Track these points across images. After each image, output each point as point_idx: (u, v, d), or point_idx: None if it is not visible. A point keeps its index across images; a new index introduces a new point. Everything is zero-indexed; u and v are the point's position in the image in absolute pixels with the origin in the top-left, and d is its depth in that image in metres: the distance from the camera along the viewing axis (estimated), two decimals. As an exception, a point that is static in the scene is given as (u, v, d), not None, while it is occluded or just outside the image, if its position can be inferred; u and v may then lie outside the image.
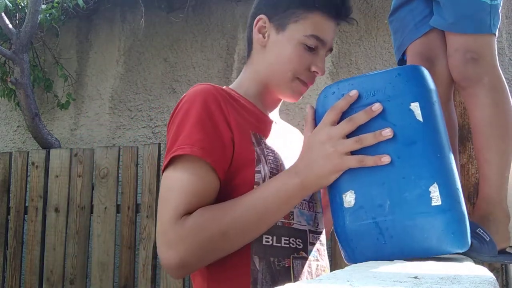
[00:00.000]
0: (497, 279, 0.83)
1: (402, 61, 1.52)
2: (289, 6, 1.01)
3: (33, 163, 2.96)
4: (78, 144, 3.61)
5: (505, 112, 1.23)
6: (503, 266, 1.75)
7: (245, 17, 3.31)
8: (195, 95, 0.94)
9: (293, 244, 0.96)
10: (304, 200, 1.01)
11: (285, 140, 1.08)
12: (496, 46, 1.34)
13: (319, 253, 1.03)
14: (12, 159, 3.03)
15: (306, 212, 1.01)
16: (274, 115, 1.13)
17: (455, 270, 0.64)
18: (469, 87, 1.28)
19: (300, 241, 0.98)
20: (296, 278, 0.94)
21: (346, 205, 0.82)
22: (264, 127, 1.03)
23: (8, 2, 3.24)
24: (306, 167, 0.84)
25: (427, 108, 0.81)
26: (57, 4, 3.43)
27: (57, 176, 2.89)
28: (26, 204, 2.96)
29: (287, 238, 0.95)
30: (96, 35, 3.78)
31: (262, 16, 1.04)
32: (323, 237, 1.07)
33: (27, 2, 3.39)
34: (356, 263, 0.83)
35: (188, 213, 0.86)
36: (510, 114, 1.25)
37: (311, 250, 1.00)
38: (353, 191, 0.82)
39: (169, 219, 0.85)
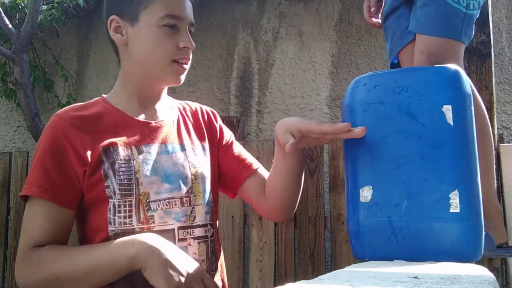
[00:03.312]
0: (497, 279, 0.83)
1: (393, 64, 1.53)
2: None
3: (33, 163, 2.95)
4: (78, 144, 3.60)
5: (477, 116, 1.24)
6: (503, 266, 1.74)
7: (245, 17, 3.30)
8: (44, 133, 1.02)
9: None
10: (172, 198, 1.03)
11: (164, 138, 1.09)
12: (462, 55, 1.30)
13: (192, 248, 1.04)
14: (12, 159, 3.02)
15: (176, 209, 1.04)
16: (159, 113, 1.12)
17: (455, 270, 0.64)
18: None
19: None
20: None
21: (362, 199, 0.82)
22: (129, 134, 1.05)
23: (6, 1, 3.24)
24: (148, 269, 0.87)
25: (459, 113, 0.79)
26: (57, 4, 3.43)
27: (57, 176, 2.88)
28: (26, 204, 2.96)
29: None
30: (96, 35, 3.78)
31: (113, 16, 1.06)
32: (200, 230, 1.07)
33: (27, 2, 3.39)
34: (364, 258, 0.83)
35: (40, 244, 0.95)
36: (481, 115, 1.24)
37: (181, 247, 1.01)
38: (371, 187, 0.81)
39: (22, 248, 0.96)
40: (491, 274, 0.64)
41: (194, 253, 1.05)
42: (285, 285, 0.47)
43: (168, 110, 1.15)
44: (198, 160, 1.12)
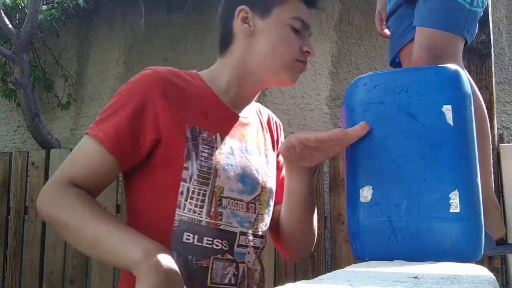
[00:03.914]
0: (497, 279, 0.83)
1: (394, 62, 1.53)
2: None
3: (33, 163, 2.95)
4: (78, 144, 3.60)
5: (475, 111, 1.22)
6: (503, 266, 1.74)
7: (245, 17, 3.30)
8: (136, 86, 0.97)
9: (216, 245, 0.96)
10: (241, 200, 1.00)
11: (247, 136, 1.06)
12: (461, 52, 1.28)
13: (250, 256, 1.02)
14: (12, 159, 3.02)
15: (241, 213, 1.00)
16: (247, 111, 1.10)
17: (455, 270, 0.64)
18: None
19: (226, 242, 0.97)
20: (213, 279, 0.95)
21: (362, 199, 0.82)
22: (216, 120, 1.01)
23: (7, 0, 3.24)
24: (139, 283, 0.80)
25: (459, 113, 0.79)
26: (57, 4, 3.43)
27: (57, 176, 2.88)
28: (26, 204, 2.96)
29: (210, 239, 0.95)
30: (96, 35, 3.78)
31: (243, 6, 1.05)
32: (259, 241, 1.05)
33: (27, 2, 3.39)
34: (364, 258, 0.83)
35: (74, 182, 0.92)
36: (480, 111, 1.23)
37: (239, 252, 0.99)
38: (371, 187, 0.81)
39: (57, 177, 0.94)
40: (491, 274, 0.64)
41: (249, 261, 1.01)
42: (285, 285, 0.47)
43: (254, 112, 1.14)
44: (270, 169, 1.09)
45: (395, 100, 0.82)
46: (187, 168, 0.95)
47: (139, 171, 0.97)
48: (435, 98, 0.80)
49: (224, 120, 1.03)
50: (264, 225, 1.06)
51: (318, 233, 2.23)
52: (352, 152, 0.87)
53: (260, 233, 1.04)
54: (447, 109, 0.79)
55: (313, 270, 2.27)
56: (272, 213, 1.11)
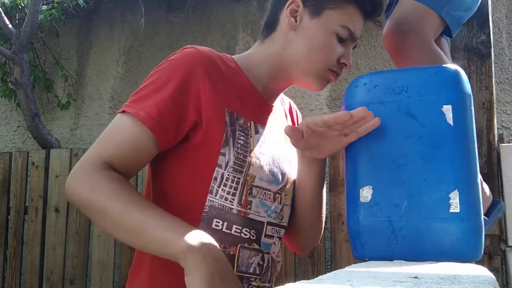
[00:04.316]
0: (497, 279, 0.83)
1: None
2: None
3: (33, 163, 2.96)
4: (78, 144, 3.60)
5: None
6: (503, 266, 1.75)
7: (245, 17, 3.30)
8: (179, 63, 0.92)
9: (245, 234, 0.94)
10: (269, 190, 0.98)
11: (277, 126, 1.05)
12: (433, 32, 1.21)
13: (275, 247, 1.01)
14: (12, 159, 3.02)
15: (268, 203, 0.99)
16: (276, 99, 1.09)
17: (455, 270, 0.64)
18: (400, 62, 1.23)
19: (254, 232, 0.96)
20: (239, 267, 0.93)
21: (362, 199, 0.82)
22: (251, 108, 0.99)
23: (6, 1, 3.24)
24: (190, 274, 0.76)
25: (459, 112, 0.79)
26: (57, 4, 3.43)
27: (57, 176, 2.89)
28: (26, 204, 2.96)
29: (239, 227, 0.94)
30: (96, 35, 3.78)
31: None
32: (283, 231, 1.05)
33: (27, 2, 3.39)
34: (364, 258, 0.83)
35: (110, 163, 0.86)
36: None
37: (266, 243, 0.98)
38: (371, 187, 0.81)
39: (91, 157, 0.87)
40: (491, 274, 0.64)
41: (274, 253, 1.01)
42: (285, 285, 0.47)
43: (279, 102, 1.12)
44: (293, 159, 1.07)
45: (395, 100, 0.82)
46: (223, 154, 0.92)
47: (172, 153, 0.93)
48: (435, 98, 0.80)
49: (258, 108, 1.01)
50: (287, 216, 1.05)
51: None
52: (352, 152, 0.87)
53: (284, 223, 1.04)
54: (447, 109, 0.79)
55: (313, 270, 2.27)
56: None
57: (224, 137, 0.92)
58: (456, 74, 0.82)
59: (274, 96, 1.07)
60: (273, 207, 0.99)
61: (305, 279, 0.54)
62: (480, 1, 1.33)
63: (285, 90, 1.09)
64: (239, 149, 0.94)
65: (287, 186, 1.03)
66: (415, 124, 0.79)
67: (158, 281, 0.92)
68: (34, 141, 3.45)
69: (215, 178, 0.92)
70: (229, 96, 0.95)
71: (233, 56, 1.04)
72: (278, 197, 1.01)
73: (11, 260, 2.92)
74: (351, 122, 0.84)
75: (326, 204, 2.30)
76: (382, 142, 0.82)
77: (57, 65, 3.68)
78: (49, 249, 2.83)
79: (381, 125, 0.82)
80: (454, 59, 1.63)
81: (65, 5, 3.45)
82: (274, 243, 1.01)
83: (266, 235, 0.98)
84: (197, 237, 0.79)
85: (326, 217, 2.28)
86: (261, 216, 0.97)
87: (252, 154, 0.95)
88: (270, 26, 1.04)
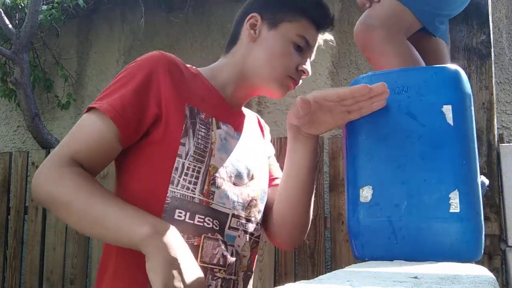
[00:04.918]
0: (497, 279, 0.83)
1: None
2: (284, 8, 1.08)
3: (33, 163, 2.96)
4: (78, 144, 3.60)
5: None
6: (503, 266, 1.74)
7: (245, 17, 3.30)
8: (142, 63, 0.98)
9: (208, 224, 0.96)
10: (234, 184, 1.01)
11: (241, 125, 1.10)
12: (404, 29, 1.22)
13: (240, 240, 1.02)
14: (12, 159, 3.02)
15: (234, 196, 1.00)
16: (241, 107, 1.15)
17: (455, 270, 0.64)
18: (370, 57, 1.23)
19: (217, 222, 0.97)
20: (203, 258, 0.94)
21: (362, 199, 0.82)
22: (213, 107, 1.04)
23: (7, 0, 3.24)
24: (151, 260, 0.80)
25: (459, 113, 0.79)
26: (57, 4, 3.43)
27: (57, 176, 2.88)
28: (26, 204, 2.96)
29: (202, 217, 0.95)
30: (96, 35, 3.78)
31: (254, 14, 1.09)
32: (253, 226, 1.05)
33: (27, 2, 3.39)
34: (364, 258, 0.83)
35: (76, 159, 0.90)
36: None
37: (230, 235, 0.99)
38: (371, 187, 0.81)
39: (57, 154, 0.91)
40: (491, 274, 0.64)
41: (239, 246, 1.01)
42: (285, 285, 0.47)
43: (245, 110, 1.18)
44: (262, 159, 1.13)
45: (395, 100, 0.82)
46: (183, 144, 0.95)
47: (134, 149, 0.97)
48: (435, 98, 0.80)
49: (221, 108, 1.06)
50: (257, 212, 1.07)
51: (318, 233, 2.25)
52: (352, 152, 0.87)
53: (253, 218, 1.05)
54: (447, 109, 0.79)
55: (313, 270, 2.27)
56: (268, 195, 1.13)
57: (183, 128, 0.96)
58: (456, 74, 0.82)
59: (239, 105, 1.13)
60: (240, 200, 1.02)
61: (305, 279, 0.54)
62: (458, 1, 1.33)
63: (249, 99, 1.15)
64: (199, 139, 0.97)
65: (255, 182, 1.07)
66: (415, 124, 0.79)
67: (122, 275, 0.94)
68: (34, 141, 3.45)
69: (176, 168, 0.94)
70: (190, 94, 1.00)
71: (198, 68, 1.10)
72: (245, 192, 1.03)
73: (11, 260, 2.92)
74: (367, 97, 0.84)
75: (326, 204, 2.31)
76: (382, 142, 0.83)
77: (57, 65, 3.68)
78: (49, 249, 2.83)
79: (381, 125, 0.82)
80: (454, 59, 1.63)
81: (65, 5, 3.45)
82: (239, 236, 1.01)
83: (230, 227, 1.00)
84: (156, 223, 0.83)
85: (326, 217, 2.29)
86: (226, 208, 0.99)
87: (213, 146, 0.99)
88: (232, 41, 1.12)
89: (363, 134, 0.86)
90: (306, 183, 1.05)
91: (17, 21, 3.55)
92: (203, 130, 0.99)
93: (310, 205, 1.10)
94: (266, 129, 1.26)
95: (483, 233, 0.78)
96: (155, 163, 0.96)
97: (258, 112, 3.12)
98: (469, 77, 1.16)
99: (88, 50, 3.79)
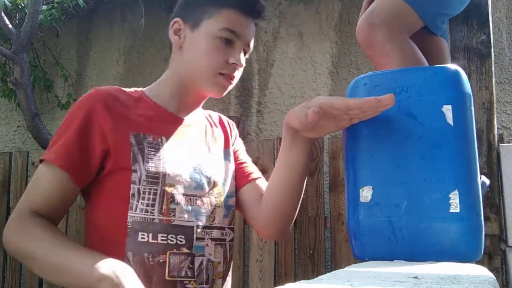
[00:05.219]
0: (497, 279, 0.83)
1: None
2: (202, 5, 1.07)
3: (33, 163, 2.95)
4: (78, 144, 3.60)
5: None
6: (503, 266, 1.74)
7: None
8: (78, 104, 1.02)
9: (171, 241, 1.00)
10: (194, 196, 1.04)
11: (193, 136, 1.11)
12: (405, 28, 1.21)
13: (209, 248, 1.04)
14: (12, 159, 3.02)
15: (197, 208, 1.04)
16: (192, 116, 1.15)
17: (455, 270, 0.64)
18: (372, 56, 1.23)
19: (183, 237, 1.01)
20: (171, 273, 0.98)
21: (362, 199, 0.82)
22: (160, 125, 1.06)
23: (7, 2, 3.24)
24: None
25: (459, 113, 0.79)
26: (57, 4, 3.43)
27: (57, 176, 2.88)
28: (26, 204, 2.96)
29: (165, 235, 0.99)
30: (96, 35, 3.78)
31: (177, 19, 1.10)
32: (219, 232, 1.08)
33: (27, 2, 3.39)
34: (364, 258, 0.83)
35: (38, 210, 0.97)
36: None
37: (198, 246, 1.02)
38: (371, 187, 0.81)
39: (21, 208, 0.98)
40: (491, 274, 0.64)
41: (210, 254, 1.05)
42: (285, 285, 0.47)
43: (200, 116, 1.18)
44: (221, 163, 1.14)
45: (395, 100, 0.82)
46: (135, 171, 0.99)
47: (94, 184, 1.02)
48: (435, 98, 0.80)
49: (168, 124, 1.08)
50: (222, 217, 1.09)
51: (318, 233, 2.25)
52: (352, 152, 0.87)
53: (217, 224, 1.07)
54: (447, 109, 0.79)
55: (313, 270, 2.26)
56: (247, 192, 1.15)
57: (131, 156, 1.00)
58: (456, 74, 0.82)
59: (190, 110, 1.14)
60: (203, 210, 1.04)
61: (305, 279, 0.54)
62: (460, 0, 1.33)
63: (203, 102, 1.16)
64: (149, 163, 1.00)
65: (216, 189, 1.08)
66: (415, 124, 0.79)
67: None
68: (34, 141, 3.44)
69: (133, 195, 0.99)
70: (133, 120, 1.03)
71: (143, 89, 1.12)
72: (207, 200, 1.06)
73: (11, 260, 2.92)
74: (374, 108, 0.83)
75: (326, 204, 2.31)
76: (382, 142, 0.83)
77: (57, 65, 3.68)
78: (49, 249, 2.83)
79: (381, 125, 0.82)
80: (454, 59, 1.63)
81: (65, 5, 3.45)
82: (207, 245, 1.05)
83: (198, 238, 1.03)
84: (110, 265, 0.86)
85: (326, 217, 2.29)
86: (188, 221, 1.02)
87: (166, 166, 1.02)
88: (170, 49, 1.14)
89: (363, 134, 0.86)
90: (299, 180, 1.08)
91: (17, 21, 3.55)
92: (152, 152, 1.02)
93: (300, 199, 1.12)
94: (232, 125, 1.26)
95: (483, 233, 0.78)
96: (113, 193, 1.01)
97: (258, 112, 3.13)
98: (469, 77, 1.16)
99: (88, 50, 3.79)
